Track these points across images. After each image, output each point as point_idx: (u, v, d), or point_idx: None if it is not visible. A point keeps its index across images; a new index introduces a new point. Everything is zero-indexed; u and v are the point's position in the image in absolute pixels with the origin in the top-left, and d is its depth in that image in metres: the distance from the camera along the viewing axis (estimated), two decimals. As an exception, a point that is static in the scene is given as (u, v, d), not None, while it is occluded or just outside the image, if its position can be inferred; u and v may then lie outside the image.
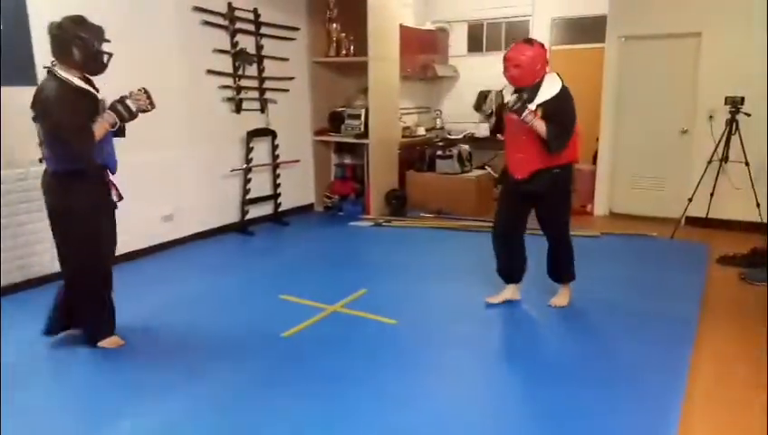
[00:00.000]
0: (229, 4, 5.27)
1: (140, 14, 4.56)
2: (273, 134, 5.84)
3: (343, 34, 6.18)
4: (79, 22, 2.77)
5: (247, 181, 5.62)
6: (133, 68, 4.53)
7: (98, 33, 2.82)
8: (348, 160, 6.81)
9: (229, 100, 5.42)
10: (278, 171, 6.00)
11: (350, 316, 3.55)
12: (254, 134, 5.62)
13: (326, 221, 6.23)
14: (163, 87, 4.79)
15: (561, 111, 3.29)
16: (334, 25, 6.20)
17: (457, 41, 8.19)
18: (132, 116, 2.91)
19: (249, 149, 5.57)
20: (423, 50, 7.57)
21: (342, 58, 6.24)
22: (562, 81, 3.40)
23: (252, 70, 5.58)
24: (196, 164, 5.18)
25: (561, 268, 3.71)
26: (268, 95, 5.78)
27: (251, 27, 5.52)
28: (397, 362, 2.98)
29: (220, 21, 5.21)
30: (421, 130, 7.60)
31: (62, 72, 2.73)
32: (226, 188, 5.51)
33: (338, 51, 6.25)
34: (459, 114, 8.24)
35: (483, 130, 8.02)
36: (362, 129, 6.14)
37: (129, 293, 3.96)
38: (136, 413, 2.49)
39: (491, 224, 5.68)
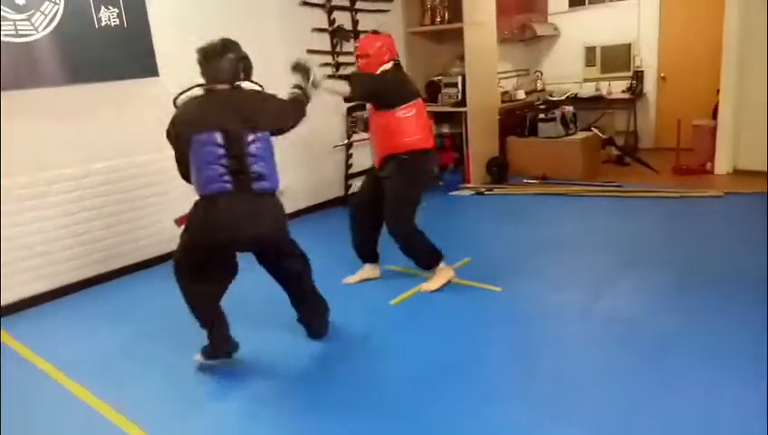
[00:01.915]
0: (325, -17, 5.38)
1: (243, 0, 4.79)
2: (371, 108, 5.93)
3: (437, 1, 6.10)
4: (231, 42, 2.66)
5: (349, 156, 5.78)
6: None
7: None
8: (446, 130, 6.75)
9: (329, 77, 5.56)
10: (378, 144, 6.11)
11: (455, 284, 3.59)
12: (354, 109, 5.73)
13: (426, 192, 6.26)
14: (268, 70, 5.03)
15: (366, 76, 3.37)
16: (428, -7, 6.14)
17: (557, -4, 7.79)
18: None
19: (349, 125, 5.71)
20: (520, 10, 7.29)
21: (437, 26, 6.16)
22: (396, 66, 3.44)
23: (349, 46, 5.69)
24: (301, 141, 5.40)
25: (412, 257, 3.55)
26: (365, 70, 5.87)
27: (346, 3, 5.60)
28: (503, 330, 3.00)
29: (317, 0, 5.34)
30: (521, 94, 7.37)
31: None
32: (330, 164, 5.71)
33: (432, 19, 6.18)
34: (561, 74, 7.90)
35: (587, 89, 7.66)
36: (460, 97, 6.06)
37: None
38: (258, 375, 2.72)
39: (599, 188, 5.52)
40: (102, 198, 4.04)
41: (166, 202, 4.26)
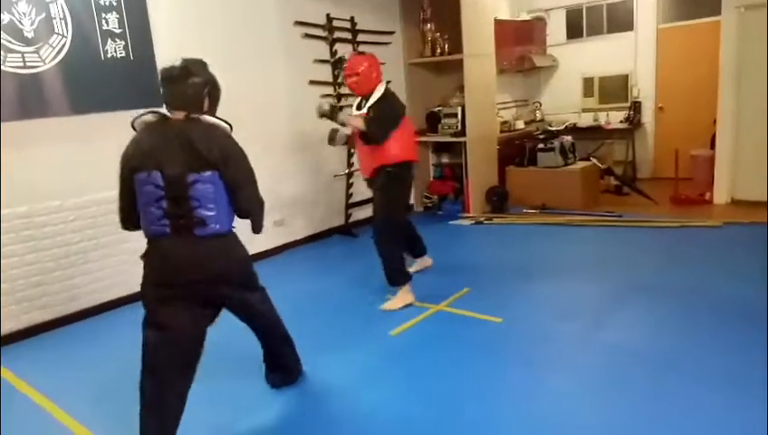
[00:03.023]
0: (327, 15, 5.48)
1: (248, 32, 4.89)
2: (372, 138, 5.99)
3: (438, 34, 6.21)
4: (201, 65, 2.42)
5: (349, 186, 5.81)
6: (244, 83, 4.88)
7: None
8: (446, 160, 6.83)
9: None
10: (378, 173, 6.15)
11: (455, 315, 3.58)
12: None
13: (426, 221, 6.28)
14: (271, 100, 5.13)
15: (379, 108, 3.64)
16: (428, 26, 6.25)
17: (556, 29, 7.93)
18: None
19: (350, 154, 5.76)
20: (519, 42, 7.41)
21: (437, 58, 6.27)
22: (388, 88, 3.77)
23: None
24: (302, 171, 5.45)
25: (384, 268, 3.78)
26: (366, 100, 5.95)
27: (348, 35, 5.71)
28: (504, 360, 2.98)
29: (319, 32, 5.44)
30: (520, 124, 7.45)
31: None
32: (330, 193, 5.74)
33: (433, 50, 6.29)
34: (560, 105, 8.00)
35: (586, 119, 7.75)
36: (459, 127, 6.13)
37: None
38: (263, 406, 2.70)
39: (598, 218, 5.54)
40: (102, 227, 4.04)
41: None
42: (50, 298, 3.83)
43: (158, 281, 2.30)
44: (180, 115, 2.26)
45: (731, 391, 2.50)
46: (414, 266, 4.30)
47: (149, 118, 2.28)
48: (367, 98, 3.72)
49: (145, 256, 2.33)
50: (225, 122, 2.33)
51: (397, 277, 3.78)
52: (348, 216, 5.86)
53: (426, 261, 4.42)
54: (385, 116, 3.64)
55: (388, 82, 3.84)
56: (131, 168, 2.22)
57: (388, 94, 3.72)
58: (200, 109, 2.30)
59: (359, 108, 3.81)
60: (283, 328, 2.77)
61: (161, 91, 2.32)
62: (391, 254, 3.76)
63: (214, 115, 2.36)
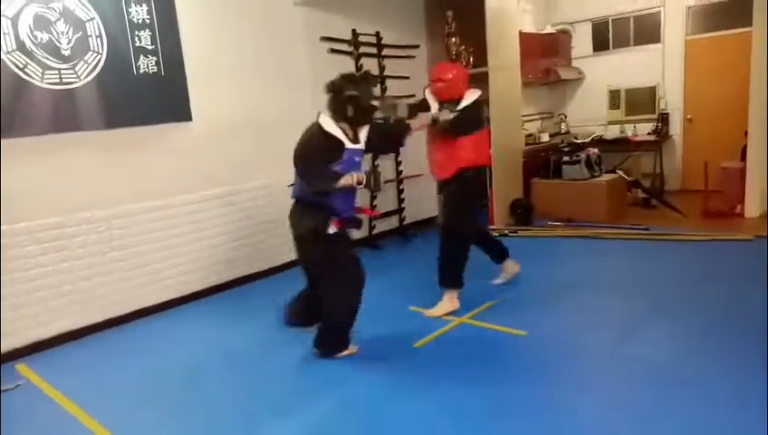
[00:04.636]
0: (353, 31, 5.56)
1: (275, 47, 5.00)
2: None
3: (462, 47, 6.23)
4: (352, 80, 3.10)
5: (374, 198, 5.85)
6: (273, 98, 4.98)
7: (369, 91, 3.18)
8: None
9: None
10: (402, 186, 6.18)
11: (479, 328, 3.57)
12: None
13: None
14: (298, 114, 5.17)
15: (467, 112, 3.73)
16: (453, 39, 6.27)
17: (581, 41, 7.90)
18: (377, 188, 3.23)
19: (375, 165, 5.79)
20: (544, 54, 7.40)
21: (462, 71, 6.28)
22: (479, 98, 3.86)
23: (375, 90, 5.82)
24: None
25: (440, 269, 3.86)
26: (391, 113, 5.99)
27: (373, 50, 5.77)
28: (528, 374, 2.95)
29: (345, 47, 5.52)
30: (545, 137, 7.41)
31: (323, 118, 3.10)
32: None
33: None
34: (585, 117, 7.95)
35: (612, 132, 7.67)
36: (484, 139, 6.13)
37: (274, 304, 4.31)
38: (288, 413, 2.72)
39: (625, 231, 5.46)
40: (132, 238, 4.13)
41: (189, 242, 4.36)
42: (80, 306, 3.93)
43: None
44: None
45: (761, 407, 2.44)
46: (501, 277, 4.31)
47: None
48: (453, 102, 3.77)
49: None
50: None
51: (450, 280, 3.84)
52: (372, 227, 5.89)
53: (511, 266, 4.34)
54: (472, 119, 3.77)
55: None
56: None
57: (480, 102, 3.88)
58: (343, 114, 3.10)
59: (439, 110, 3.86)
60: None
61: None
62: (455, 257, 3.83)
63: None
